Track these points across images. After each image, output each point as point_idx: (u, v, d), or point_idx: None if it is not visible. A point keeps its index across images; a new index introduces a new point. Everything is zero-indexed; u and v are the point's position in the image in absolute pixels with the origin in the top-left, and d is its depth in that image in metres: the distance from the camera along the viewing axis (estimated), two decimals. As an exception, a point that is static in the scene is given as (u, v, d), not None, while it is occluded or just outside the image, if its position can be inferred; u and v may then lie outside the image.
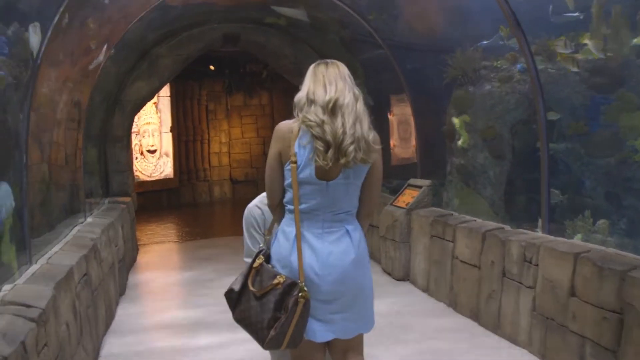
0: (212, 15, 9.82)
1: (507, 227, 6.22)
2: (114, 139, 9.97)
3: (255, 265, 3.23)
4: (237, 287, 3.23)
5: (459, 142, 7.75)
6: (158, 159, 16.71)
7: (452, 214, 7.28)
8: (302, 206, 3.13)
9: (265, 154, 18.83)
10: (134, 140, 15.70)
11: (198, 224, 13.97)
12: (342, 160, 3.03)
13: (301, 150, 3.08)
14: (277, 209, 3.29)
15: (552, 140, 7.18)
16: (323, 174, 3.09)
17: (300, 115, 3.12)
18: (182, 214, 15.64)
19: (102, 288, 6.04)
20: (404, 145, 9.29)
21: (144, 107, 14.53)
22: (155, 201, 16.17)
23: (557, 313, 4.95)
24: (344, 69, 3.20)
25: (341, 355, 3.38)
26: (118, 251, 7.60)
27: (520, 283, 5.46)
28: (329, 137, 3.02)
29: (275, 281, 3.10)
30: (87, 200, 7.83)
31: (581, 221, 6.23)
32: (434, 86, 8.12)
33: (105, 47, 7.61)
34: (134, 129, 15.44)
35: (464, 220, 6.74)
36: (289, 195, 3.19)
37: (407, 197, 8.11)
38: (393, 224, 7.92)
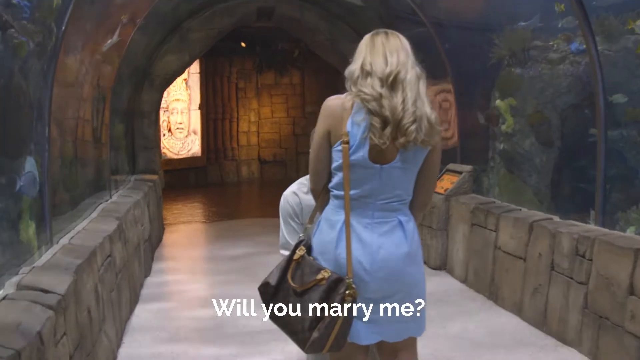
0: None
1: (556, 218, 5.84)
2: (141, 114, 9.70)
3: (296, 257, 2.88)
4: (273, 281, 2.89)
5: (503, 127, 7.35)
6: (186, 136, 16.46)
7: (494, 202, 6.90)
8: (352, 192, 2.78)
9: (295, 135, 18.67)
10: (162, 116, 15.45)
11: (225, 204, 13.70)
12: (401, 140, 2.70)
13: (354, 128, 2.72)
14: (321, 194, 2.95)
15: (595, 125, 6.77)
16: (377, 157, 2.74)
17: (354, 89, 2.76)
18: (209, 193, 15.38)
19: (127, 270, 5.77)
20: (444, 128, 8.90)
21: (174, 83, 14.31)
22: (182, 180, 15.93)
23: (613, 312, 4.58)
24: (406, 41, 2.83)
25: (391, 357, 3.05)
26: (144, 231, 7.33)
27: (571, 278, 5.08)
28: (387, 113, 2.68)
29: (320, 276, 2.75)
30: (112, 178, 7.57)
31: (635, 213, 5.86)
32: (478, 67, 7.70)
33: (134, 19, 7.31)
34: (163, 104, 15.22)
35: (508, 209, 6.36)
36: (336, 180, 2.83)
37: (446, 182, 7.74)
38: (431, 210, 7.55)
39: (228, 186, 16.91)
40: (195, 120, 16.64)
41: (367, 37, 2.85)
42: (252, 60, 17.64)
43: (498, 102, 7.39)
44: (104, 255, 4.79)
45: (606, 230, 5.13)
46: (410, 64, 2.77)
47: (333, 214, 2.86)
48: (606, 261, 4.69)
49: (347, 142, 2.72)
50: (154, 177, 9.54)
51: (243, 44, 16.66)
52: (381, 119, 2.68)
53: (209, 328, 5.70)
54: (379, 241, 2.79)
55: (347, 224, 2.78)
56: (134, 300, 6.14)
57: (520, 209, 6.38)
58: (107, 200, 6.78)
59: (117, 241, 5.38)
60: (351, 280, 2.73)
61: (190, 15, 9.67)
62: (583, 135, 6.66)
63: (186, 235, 10.33)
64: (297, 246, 2.91)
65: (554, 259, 5.32)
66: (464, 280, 6.96)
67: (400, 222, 2.84)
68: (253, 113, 18.18)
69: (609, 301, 4.64)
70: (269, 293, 2.91)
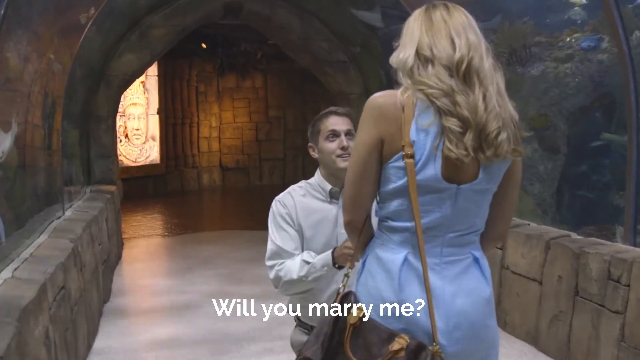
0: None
1: (574, 235, 5.18)
2: (97, 119, 8.82)
3: (353, 320, 2.03)
4: (318, 357, 2.02)
5: (501, 131, 6.70)
6: (144, 143, 15.55)
7: (495, 215, 6.22)
8: (412, 224, 2.02)
9: (258, 140, 17.90)
10: (118, 122, 14.53)
11: (187, 215, 12.85)
12: (488, 153, 1.97)
13: (421, 135, 1.96)
14: (363, 228, 2.17)
15: (609, 130, 6.20)
16: (453, 174, 1.99)
17: (410, 82, 2.00)
18: (170, 203, 14.48)
19: (84, 301, 4.92)
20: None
21: (130, 87, 13.41)
22: (140, 189, 14.97)
23: (658, 347, 3.94)
24: (473, 19, 2.08)
25: None
26: (102, 250, 6.48)
27: (602, 306, 4.42)
28: (465, 113, 1.93)
29: (396, 345, 1.95)
30: (65, 189, 6.71)
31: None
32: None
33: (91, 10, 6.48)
34: (119, 109, 14.32)
35: (516, 224, 5.68)
36: (394, 207, 2.05)
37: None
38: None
39: (189, 195, 16.02)
40: (153, 125, 15.74)
41: (419, 12, 2.10)
42: (213, 63, 16.80)
43: (495, 104, 6.74)
44: (57, 288, 3.97)
45: (644, 250, 4.49)
46: (485, 49, 2.02)
47: (387, 251, 2.07)
48: (649, 288, 4.05)
49: (412, 156, 1.96)
50: (112, 187, 8.67)
51: (204, 45, 15.83)
52: (460, 120, 1.94)
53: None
54: (452, 287, 2.03)
55: (424, 268, 2.00)
56: (92, 334, 5.30)
57: (529, 224, 5.72)
58: (59, 217, 5.93)
59: (71, 269, 4.55)
60: (438, 346, 1.96)
61: (151, 10, 8.83)
62: (593, 140, 6.08)
63: (147, 251, 9.47)
64: (343, 300, 2.08)
65: (579, 283, 4.65)
66: (462, 302, 6.28)
67: (476, 259, 2.09)
68: (214, 118, 17.33)
69: (653, 334, 4.00)
70: None
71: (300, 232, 2.90)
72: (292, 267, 2.81)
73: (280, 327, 5.32)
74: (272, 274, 2.88)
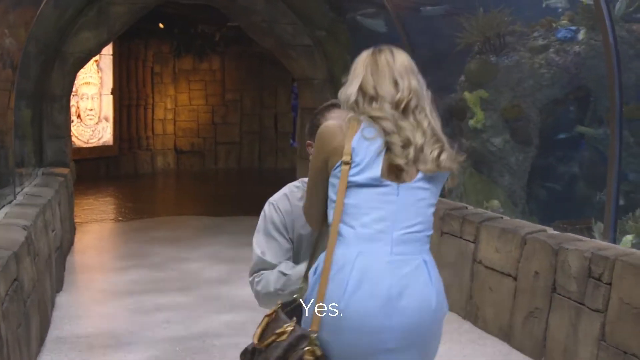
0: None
1: (550, 230, 5.07)
2: (52, 99, 8.41)
3: (269, 312, 2.33)
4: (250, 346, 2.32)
5: (471, 122, 6.57)
6: (97, 123, 15.07)
7: (465, 207, 6.08)
8: (361, 221, 2.20)
9: (214, 123, 17.52)
10: (71, 101, 14.05)
11: (141, 199, 12.49)
12: (429, 166, 2.23)
13: (363, 144, 2.22)
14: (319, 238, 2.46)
15: (582, 123, 6.12)
16: (393, 176, 2.23)
17: (354, 113, 2.30)
18: (123, 186, 14.06)
19: (37, 292, 4.62)
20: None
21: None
22: (92, 171, 14.50)
23: (640, 347, 3.84)
24: (414, 64, 2.38)
25: None
26: (55, 237, 6.16)
27: (582, 304, 4.31)
28: (407, 133, 2.23)
29: (279, 330, 2.22)
30: (18, 171, 6.37)
31: (632, 221, 5.22)
32: (443, 53, 6.87)
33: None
34: (72, 88, 13.86)
35: (488, 217, 5.55)
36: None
37: (406, 183, 6.89)
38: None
39: (142, 178, 15.59)
40: (107, 106, 15.25)
41: (366, 55, 2.38)
42: (169, 44, 16.34)
43: (466, 93, 6.60)
44: (9, 281, 3.69)
45: (625, 248, 4.39)
46: (425, 92, 2.32)
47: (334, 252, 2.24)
48: (632, 287, 3.94)
49: (349, 163, 2.21)
50: (65, 170, 8.30)
51: (161, 25, 15.36)
52: (402, 138, 2.22)
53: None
54: (398, 287, 2.16)
55: (327, 261, 2.19)
56: (44, 327, 5.01)
57: (502, 217, 5.59)
58: (11, 202, 5.60)
59: (24, 258, 4.25)
60: (315, 335, 2.15)
61: (110, -14, 8.44)
62: (566, 133, 5.99)
63: (100, 236, 9.14)
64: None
65: (557, 280, 4.54)
66: (430, 295, 6.13)
67: (425, 262, 2.22)
68: (169, 100, 16.90)
69: (635, 334, 3.89)
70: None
71: (297, 242, 2.61)
72: (270, 279, 2.54)
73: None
74: (252, 290, 2.63)
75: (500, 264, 5.14)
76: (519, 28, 6.12)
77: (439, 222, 5.98)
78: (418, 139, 2.23)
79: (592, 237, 4.85)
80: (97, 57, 14.16)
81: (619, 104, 4.45)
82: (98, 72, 14.92)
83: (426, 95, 2.32)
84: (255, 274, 2.59)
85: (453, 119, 6.81)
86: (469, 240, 5.56)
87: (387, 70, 2.31)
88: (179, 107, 17.05)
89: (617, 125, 4.49)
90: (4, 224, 4.68)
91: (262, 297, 2.57)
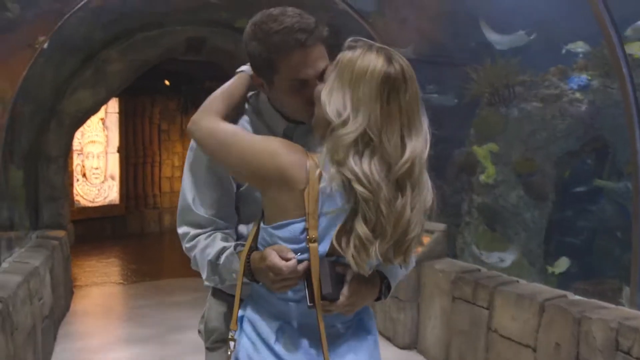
0: (174, 14, 8.15)
1: (571, 295, 4.67)
2: (47, 159, 8.15)
3: None
4: None
5: (482, 177, 6.22)
6: (102, 182, 14.85)
7: (479, 270, 5.70)
8: None
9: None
10: (76, 160, 13.87)
11: (146, 260, 12.13)
12: (396, 261, 1.91)
13: (322, 214, 1.85)
14: None
15: (600, 176, 5.76)
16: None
17: (337, 159, 1.82)
18: (128, 246, 13.74)
19: (12, 371, 4.26)
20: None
21: (89, 123, 12.91)
22: (97, 230, 14.22)
23: None
24: (423, 106, 1.93)
25: None
26: (43, 306, 5.81)
27: (609, 379, 3.89)
28: (384, 223, 1.81)
29: None
30: (5, 235, 6.06)
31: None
32: (451, 106, 6.56)
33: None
34: (76, 147, 13.67)
35: (503, 282, 5.16)
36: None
37: (414, 243, 6.50)
38: (397, 276, 6.29)
39: (149, 237, 15.27)
40: (113, 164, 15.05)
41: (378, 78, 1.82)
42: (176, 100, 16.20)
43: (475, 147, 6.27)
44: (-28, 365, 3.34)
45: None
46: (426, 141, 1.89)
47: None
48: (666, 361, 3.54)
49: (316, 240, 1.86)
50: (61, 233, 7.98)
51: (167, 82, 15.25)
52: (372, 231, 1.81)
53: None
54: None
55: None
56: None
57: (518, 281, 5.19)
58: (-7, 270, 5.28)
59: (-3, 335, 3.91)
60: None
61: (107, 44, 8.25)
62: (584, 186, 5.64)
63: (99, 301, 8.75)
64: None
65: (581, 353, 4.12)
66: (443, 364, 5.70)
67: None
68: (177, 157, 16.68)
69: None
70: None
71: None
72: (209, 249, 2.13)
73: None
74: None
75: (517, 334, 4.72)
76: (529, 78, 5.81)
77: (450, 286, 5.60)
78: (402, 225, 1.83)
79: (618, 302, 4.44)
80: (102, 115, 14.10)
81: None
82: (104, 130, 14.77)
83: (426, 160, 1.89)
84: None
85: (462, 173, 6.47)
86: (482, 307, 5.15)
87: (398, 118, 1.83)
88: (187, 165, 16.83)
89: (640, 179, 4.12)
90: (-21, 296, 4.35)
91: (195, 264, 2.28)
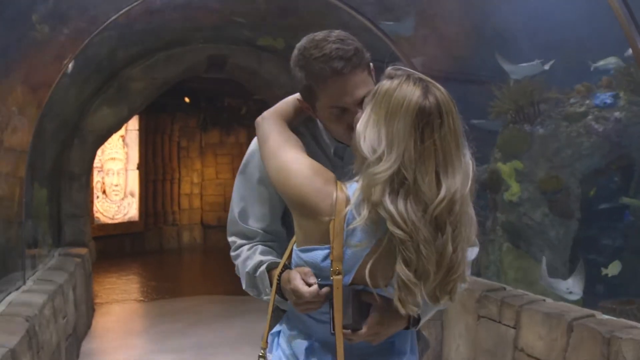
0: (195, 32, 8.21)
1: (599, 314, 4.61)
2: (70, 177, 8.22)
3: None
4: None
5: (506, 194, 6.18)
6: (122, 199, 14.92)
7: (504, 288, 5.65)
8: None
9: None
10: (96, 177, 13.95)
11: (166, 277, 12.12)
12: (442, 301, 1.85)
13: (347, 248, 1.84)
14: None
15: (626, 194, 5.72)
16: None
17: (371, 201, 1.76)
18: (147, 262, 13.78)
19: (39, 390, 4.27)
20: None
21: (109, 141, 12.94)
22: (117, 247, 14.29)
23: None
24: (464, 139, 1.87)
25: None
26: (67, 324, 5.83)
27: (641, 401, 3.83)
28: (425, 264, 1.76)
29: None
30: (30, 253, 6.09)
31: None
32: (474, 124, 6.54)
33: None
34: (97, 164, 13.75)
35: (529, 300, 5.10)
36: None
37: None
38: (420, 295, 6.25)
39: (168, 254, 15.32)
40: (132, 181, 15.16)
41: (412, 113, 1.76)
42: (196, 117, 16.33)
43: (500, 164, 6.24)
44: (1, 384, 3.34)
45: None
46: (467, 179, 1.80)
47: None
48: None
49: (340, 272, 1.84)
50: (83, 250, 8.02)
51: (187, 100, 15.36)
52: (415, 275, 1.76)
53: None
54: None
55: None
56: None
57: (544, 299, 5.14)
58: (18, 288, 5.29)
59: (24, 354, 3.91)
60: None
61: (130, 62, 8.33)
62: (609, 203, 5.59)
63: (120, 319, 8.76)
64: None
65: (611, 372, 4.06)
66: (468, 383, 5.65)
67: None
68: (196, 174, 16.78)
69: None
70: None
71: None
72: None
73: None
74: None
75: (545, 353, 4.66)
76: (553, 95, 5.79)
77: (475, 305, 5.56)
78: (445, 263, 1.78)
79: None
80: (122, 132, 14.20)
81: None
82: (124, 147, 14.88)
83: (469, 196, 1.81)
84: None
85: (487, 191, 6.43)
86: (509, 326, 5.10)
87: (433, 155, 1.76)
88: (206, 181, 16.90)
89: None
90: (7, 314, 4.37)
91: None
